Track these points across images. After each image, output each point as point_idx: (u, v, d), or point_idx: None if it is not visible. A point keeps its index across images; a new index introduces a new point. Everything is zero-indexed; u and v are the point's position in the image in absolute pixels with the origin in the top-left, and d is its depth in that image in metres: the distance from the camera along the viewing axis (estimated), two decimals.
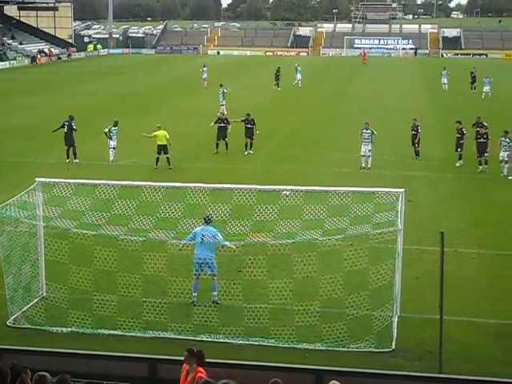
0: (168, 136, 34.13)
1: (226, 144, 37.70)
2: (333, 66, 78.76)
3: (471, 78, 67.32)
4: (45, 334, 16.96)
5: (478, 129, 35.01)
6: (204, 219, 18.65)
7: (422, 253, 22.17)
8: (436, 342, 15.30)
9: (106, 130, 35.62)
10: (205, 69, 71.01)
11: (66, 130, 35.37)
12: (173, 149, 36.70)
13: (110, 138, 35.41)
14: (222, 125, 37.75)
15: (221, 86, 53.99)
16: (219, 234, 18.35)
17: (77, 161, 35.16)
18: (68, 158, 35.28)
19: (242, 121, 38.16)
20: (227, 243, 18.46)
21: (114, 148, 35.52)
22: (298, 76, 71.09)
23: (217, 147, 37.75)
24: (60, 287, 18.30)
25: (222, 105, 51.77)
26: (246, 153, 37.55)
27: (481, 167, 33.87)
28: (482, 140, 33.90)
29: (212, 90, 57.14)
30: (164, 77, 79.01)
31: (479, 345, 16.64)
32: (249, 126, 37.95)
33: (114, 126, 35.72)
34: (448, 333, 15.58)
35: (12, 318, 17.59)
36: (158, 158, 34.00)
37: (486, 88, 62.52)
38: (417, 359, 15.86)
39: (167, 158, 34.04)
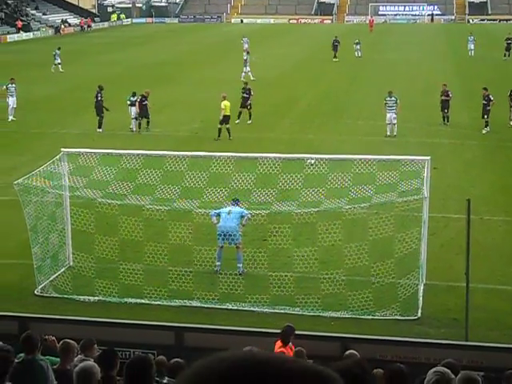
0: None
1: (147, 123, 35.59)
2: (357, 33, 78.07)
3: (506, 44, 65.12)
4: (72, 303, 17.13)
5: None
6: (232, 200, 18.65)
7: (448, 220, 22.06)
8: (462, 310, 15.28)
9: (128, 102, 35.72)
10: (245, 39, 68.71)
11: (95, 99, 35.80)
12: (197, 118, 36.71)
13: (133, 105, 35.44)
14: (145, 102, 35.46)
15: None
16: (245, 211, 18.34)
17: (100, 130, 35.33)
18: (99, 127, 35.49)
19: (242, 92, 36.81)
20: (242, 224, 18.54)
21: (135, 118, 35.54)
22: (357, 47, 66.78)
23: (139, 126, 35.57)
24: (86, 256, 18.45)
25: (245, 72, 52.08)
26: (237, 122, 35.88)
27: None
28: None
29: (239, 60, 56.83)
30: (188, 46, 78.78)
31: (505, 312, 16.59)
32: (245, 95, 36.57)
33: (133, 97, 35.70)
34: (474, 300, 15.54)
35: (39, 287, 17.77)
36: (221, 129, 33.55)
37: None
38: (443, 327, 15.85)
39: (228, 128, 33.64)
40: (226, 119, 33.60)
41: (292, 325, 12.23)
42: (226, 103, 33.71)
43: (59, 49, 60.03)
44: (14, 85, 39.08)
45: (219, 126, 33.43)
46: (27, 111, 40.12)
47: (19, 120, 38.24)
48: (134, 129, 35.57)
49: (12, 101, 38.87)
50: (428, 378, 7.46)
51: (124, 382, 7.88)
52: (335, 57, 64.59)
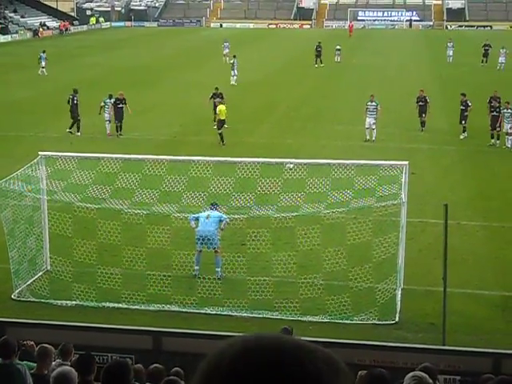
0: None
1: (120, 126, 35.11)
2: (336, 38, 78.35)
3: (484, 51, 64.86)
4: (49, 308, 17.03)
5: (492, 102, 34.44)
6: (211, 204, 18.63)
7: (426, 225, 22.15)
8: (439, 314, 15.35)
9: (102, 103, 35.42)
10: (226, 44, 67.48)
11: (70, 103, 35.60)
12: (176, 122, 36.64)
13: (105, 112, 35.21)
14: (120, 105, 35.00)
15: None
16: (224, 216, 18.33)
17: (78, 134, 35.22)
18: (70, 128, 35.36)
19: (211, 97, 36.30)
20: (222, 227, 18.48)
21: (109, 121, 35.29)
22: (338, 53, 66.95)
23: (117, 130, 35.12)
24: (64, 261, 18.36)
25: (236, 76, 51.80)
26: (215, 127, 34.88)
27: (493, 141, 33.53)
28: (495, 113, 33.56)
29: (219, 64, 56.79)
30: (168, 50, 78.67)
31: (482, 317, 16.68)
32: (217, 99, 35.89)
33: (109, 99, 35.43)
34: (451, 305, 15.62)
35: (17, 291, 17.66)
36: (221, 134, 33.28)
37: (502, 59, 61.41)
38: (420, 331, 15.91)
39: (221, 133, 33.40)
40: (220, 124, 33.44)
41: (289, 327, 12.12)
42: (221, 108, 33.61)
43: (44, 52, 59.54)
44: None
45: (218, 131, 33.27)
46: (5, 114, 39.86)
47: None
48: (108, 132, 35.31)
49: None
50: (406, 382, 7.48)
51: None
52: (319, 62, 63.75)
